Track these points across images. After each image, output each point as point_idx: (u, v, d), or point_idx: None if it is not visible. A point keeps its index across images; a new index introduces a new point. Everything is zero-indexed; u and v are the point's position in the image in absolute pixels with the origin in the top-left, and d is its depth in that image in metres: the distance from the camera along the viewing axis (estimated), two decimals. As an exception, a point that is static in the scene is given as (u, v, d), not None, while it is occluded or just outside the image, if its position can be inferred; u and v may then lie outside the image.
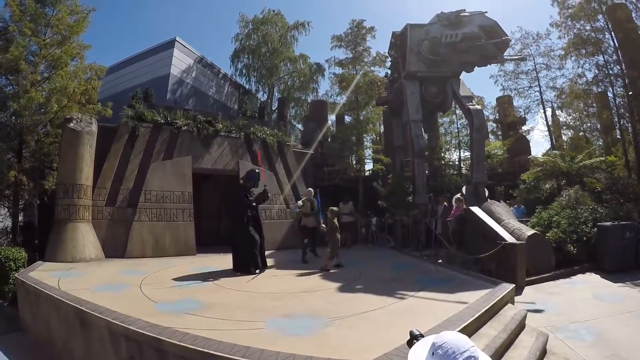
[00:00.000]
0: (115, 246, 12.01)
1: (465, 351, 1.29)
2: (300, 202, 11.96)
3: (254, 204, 10.16)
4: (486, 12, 16.12)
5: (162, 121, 13.97)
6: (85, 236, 11.25)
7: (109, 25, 62.99)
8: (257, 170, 10.88)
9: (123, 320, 4.99)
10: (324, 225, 10.81)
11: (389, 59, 21.79)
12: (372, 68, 25.94)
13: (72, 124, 11.64)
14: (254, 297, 6.75)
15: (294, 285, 7.96)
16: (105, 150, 12.77)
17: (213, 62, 30.86)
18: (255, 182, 10.46)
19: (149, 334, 4.51)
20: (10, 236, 12.81)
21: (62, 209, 11.21)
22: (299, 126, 34.82)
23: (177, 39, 26.87)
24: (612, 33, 19.27)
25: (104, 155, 12.72)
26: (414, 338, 1.61)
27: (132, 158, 13.17)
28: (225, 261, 10.88)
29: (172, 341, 4.24)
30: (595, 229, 11.56)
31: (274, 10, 31.51)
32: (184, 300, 6.31)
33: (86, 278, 8.35)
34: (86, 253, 10.96)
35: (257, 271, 9.33)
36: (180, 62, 26.94)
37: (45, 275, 8.28)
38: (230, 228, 9.66)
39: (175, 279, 8.39)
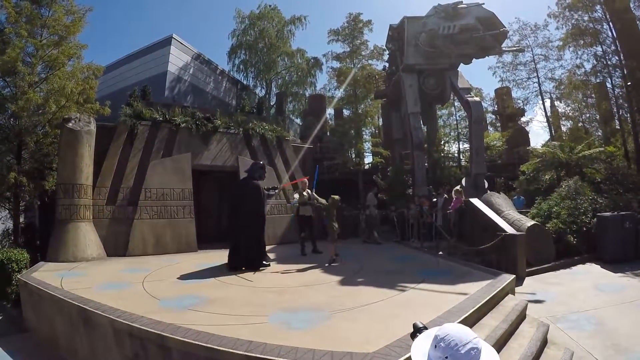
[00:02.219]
0: (117, 245, 12.03)
1: (467, 343, 1.31)
2: (296, 195, 11.81)
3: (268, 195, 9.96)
4: (483, 3, 16.11)
5: (161, 119, 13.95)
6: (86, 235, 11.27)
7: (105, 24, 62.87)
8: (261, 162, 10.56)
9: (126, 318, 5.01)
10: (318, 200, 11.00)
11: (387, 52, 21.82)
12: (370, 61, 25.97)
13: (70, 124, 11.63)
14: (256, 292, 6.77)
15: (295, 279, 7.98)
16: (104, 149, 12.76)
17: (210, 59, 30.90)
18: (260, 174, 9.96)
19: (153, 330, 4.53)
20: (12, 238, 12.83)
21: (63, 209, 11.22)
22: (298, 121, 34.83)
23: (174, 36, 26.89)
24: (610, 23, 19.27)
25: (103, 154, 12.71)
26: (417, 331, 1.63)
27: (131, 156, 13.17)
28: (226, 257, 10.97)
29: (176, 337, 4.27)
30: (595, 219, 11.58)
31: (270, 6, 31.45)
32: (186, 297, 6.33)
33: (89, 277, 8.38)
34: (88, 252, 10.97)
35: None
36: (177, 59, 26.94)
37: (47, 275, 8.31)
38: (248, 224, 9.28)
39: (178, 276, 8.42)
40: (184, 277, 8.28)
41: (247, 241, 9.17)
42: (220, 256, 11.10)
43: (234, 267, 9.07)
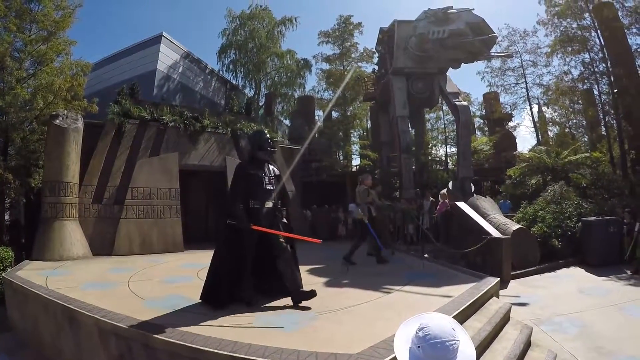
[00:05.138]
0: (103, 244, 11.96)
1: (443, 340, 1.34)
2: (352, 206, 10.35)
3: (269, 187, 5.92)
4: (473, 9, 16.24)
5: (149, 117, 13.89)
6: (72, 234, 11.18)
7: (95, 20, 62.30)
8: (266, 134, 6.27)
9: (111, 317, 4.98)
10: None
11: (377, 54, 21.95)
12: (360, 64, 26.10)
13: (58, 121, 11.54)
14: (242, 293, 6.76)
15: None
16: (91, 147, 12.68)
17: (200, 58, 30.85)
18: (266, 151, 6.01)
19: (138, 330, 4.52)
20: (-3, 235, 12.71)
21: (49, 207, 11.12)
22: (286, 122, 34.83)
23: (164, 34, 26.81)
24: (599, 31, 19.61)
25: (90, 152, 12.63)
26: None
27: (118, 155, 13.10)
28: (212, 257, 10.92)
29: (161, 337, 4.26)
30: (580, 223, 11.76)
31: (261, 6, 31.52)
32: (171, 297, 6.31)
33: (74, 276, 8.31)
34: (73, 251, 10.89)
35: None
36: (167, 57, 26.86)
37: (32, 274, 8.24)
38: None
39: (163, 276, 8.39)
40: (169, 277, 8.25)
41: None
42: (206, 257, 11.03)
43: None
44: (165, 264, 10.06)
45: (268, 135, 6.21)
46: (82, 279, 7.99)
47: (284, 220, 6.27)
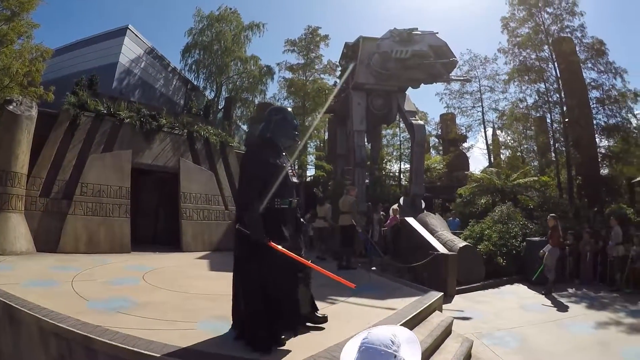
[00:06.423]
0: (48, 240, 11.45)
1: (380, 351, 1.39)
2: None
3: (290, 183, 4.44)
4: (437, 32, 16.75)
5: (105, 111, 13.49)
6: (16, 228, 10.71)
7: (59, 5, 60.09)
8: (293, 114, 4.77)
9: (53, 317, 4.85)
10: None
11: (340, 68, 22.22)
12: (322, 76, 26.31)
13: (11, 107, 11.05)
14: (187, 298, 6.68)
15: (229, 287, 7.94)
16: (42, 137, 12.13)
17: (163, 55, 30.42)
18: (293, 139, 4.59)
19: (79, 332, 4.40)
20: None
21: (-6, 197, 10.68)
22: (244, 127, 34.66)
23: (130, 27, 26.30)
24: (556, 63, 20.70)
25: (41, 142, 12.11)
26: None
27: (70, 147, 12.63)
28: (160, 261, 10.78)
29: (102, 340, 4.18)
30: (525, 243, 12.29)
31: (230, 9, 31.28)
32: (116, 299, 6.18)
33: (16, 272, 8.00)
34: (17, 246, 10.42)
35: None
36: (130, 51, 26.36)
37: (-29, 267, 7.92)
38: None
39: (109, 277, 8.19)
40: (115, 279, 8.04)
41: None
42: (154, 260, 10.94)
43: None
44: (111, 265, 9.80)
45: (295, 120, 4.73)
46: (24, 275, 7.71)
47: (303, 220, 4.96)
